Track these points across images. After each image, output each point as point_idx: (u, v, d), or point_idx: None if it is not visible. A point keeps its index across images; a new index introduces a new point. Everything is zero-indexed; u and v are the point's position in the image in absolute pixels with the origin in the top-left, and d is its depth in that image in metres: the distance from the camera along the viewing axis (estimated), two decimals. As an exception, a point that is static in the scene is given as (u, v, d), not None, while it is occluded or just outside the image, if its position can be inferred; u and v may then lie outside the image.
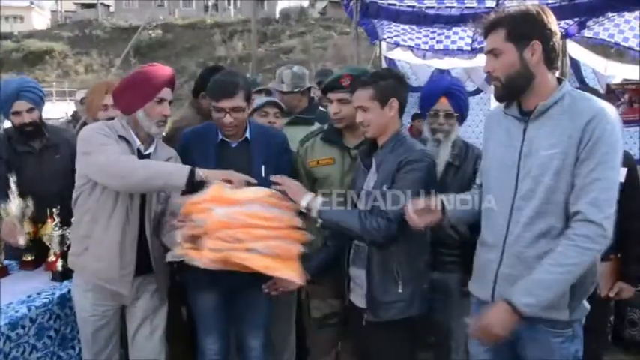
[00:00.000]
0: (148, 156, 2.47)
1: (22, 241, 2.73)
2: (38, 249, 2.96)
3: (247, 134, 2.58)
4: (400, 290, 2.13)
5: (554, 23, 1.84)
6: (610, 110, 1.77)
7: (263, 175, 2.52)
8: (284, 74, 3.53)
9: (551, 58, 1.84)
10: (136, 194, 2.39)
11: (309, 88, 3.61)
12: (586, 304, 1.91)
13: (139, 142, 2.44)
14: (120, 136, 2.38)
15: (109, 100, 3.01)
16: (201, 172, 2.21)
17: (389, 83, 2.22)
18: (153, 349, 2.59)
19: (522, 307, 1.74)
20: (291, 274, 2.11)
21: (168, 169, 2.31)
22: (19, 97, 3.08)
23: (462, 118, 2.80)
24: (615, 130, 1.74)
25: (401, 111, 2.27)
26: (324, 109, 4.02)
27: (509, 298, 1.77)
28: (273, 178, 2.22)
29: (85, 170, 2.37)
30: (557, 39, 1.84)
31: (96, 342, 2.50)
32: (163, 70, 2.47)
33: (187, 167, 2.22)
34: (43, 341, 2.50)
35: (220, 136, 2.54)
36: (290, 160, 2.73)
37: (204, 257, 2.01)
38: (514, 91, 1.89)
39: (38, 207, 2.84)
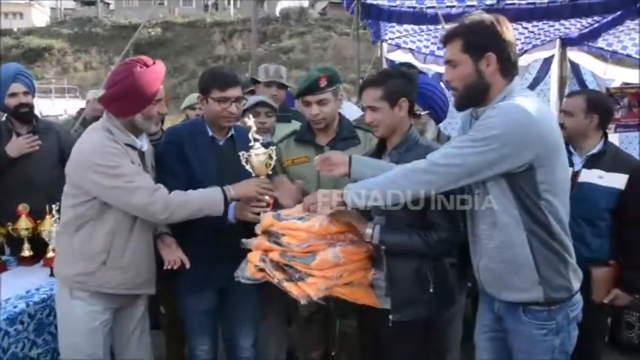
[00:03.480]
0: (144, 152, 2.43)
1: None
2: (37, 245, 2.97)
3: (233, 132, 2.63)
4: (431, 290, 2.12)
5: (509, 33, 1.88)
6: (510, 104, 1.80)
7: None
8: (270, 68, 3.79)
9: (506, 67, 1.89)
10: None
11: (286, 88, 3.80)
12: (572, 285, 1.92)
13: (140, 143, 2.38)
14: (126, 144, 2.29)
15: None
16: (232, 191, 2.34)
17: (398, 83, 2.20)
18: (146, 347, 2.55)
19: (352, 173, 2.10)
20: (374, 301, 2.20)
21: (206, 199, 2.32)
22: (16, 80, 3.24)
23: (436, 115, 2.78)
24: (497, 119, 1.78)
25: (411, 111, 2.26)
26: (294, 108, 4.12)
27: (352, 158, 2.13)
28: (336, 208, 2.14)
29: (112, 202, 2.24)
30: (512, 49, 1.89)
31: (97, 351, 2.34)
32: (155, 74, 2.30)
33: (219, 191, 2.32)
34: (43, 337, 2.49)
35: (211, 133, 2.57)
36: None
37: (304, 292, 2.02)
38: (471, 100, 1.94)
39: (29, 192, 2.94)
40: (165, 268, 2.38)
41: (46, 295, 2.54)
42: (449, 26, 1.96)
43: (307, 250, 2.04)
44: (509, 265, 1.91)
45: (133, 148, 2.33)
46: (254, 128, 2.37)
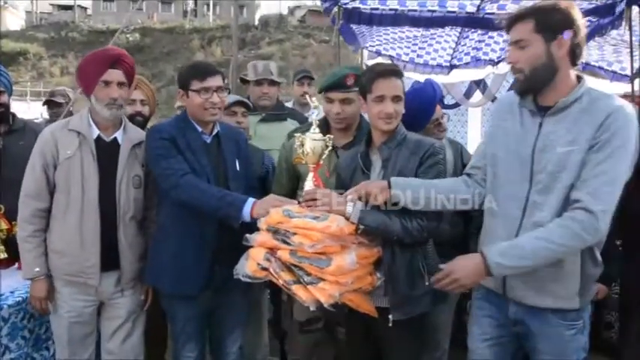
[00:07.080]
0: (114, 141, 2.46)
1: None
2: (12, 247, 2.87)
3: (218, 129, 2.55)
4: (427, 282, 2.09)
5: (581, 19, 1.85)
6: (628, 108, 1.79)
7: (238, 169, 2.53)
8: (258, 65, 3.69)
9: (576, 53, 1.85)
10: (93, 189, 2.38)
11: (278, 84, 3.69)
12: (592, 289, 1.92)
13: (97, 131, 2.44)
14: (70, 130, 2.41)
15: (136, 95, 3.06)
16: (254, 210, 2.19)
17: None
18: (132, 349, 2.52)
19: (493, 265, 1.80)
20: (372, 309, 2.14)
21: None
22: None
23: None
24: (630, 126, 1.76)
25: None
26: (293, 107, 4.08)
27: (484, 253, 1.82)
28: (308, 191, 2.12)
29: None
30: (582, 35, 1.85)
31: (72, 342, 2.42)
32: (106, 52, 2.46)
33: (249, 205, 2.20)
34: (17, 342, 2.42)
35: (200, 129, 2.48)
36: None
37: (313, 297, 1.92)
38: (537, 83, 1.87)
39: (4, 192, 2.84)
40: None
41: (21, 299, 2.47)
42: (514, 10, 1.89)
43: (321, 251, 1.93)
44: (558, 272, 1.85)
45: (81, 135, 2.40)
46: (317, 111, 2.27)
